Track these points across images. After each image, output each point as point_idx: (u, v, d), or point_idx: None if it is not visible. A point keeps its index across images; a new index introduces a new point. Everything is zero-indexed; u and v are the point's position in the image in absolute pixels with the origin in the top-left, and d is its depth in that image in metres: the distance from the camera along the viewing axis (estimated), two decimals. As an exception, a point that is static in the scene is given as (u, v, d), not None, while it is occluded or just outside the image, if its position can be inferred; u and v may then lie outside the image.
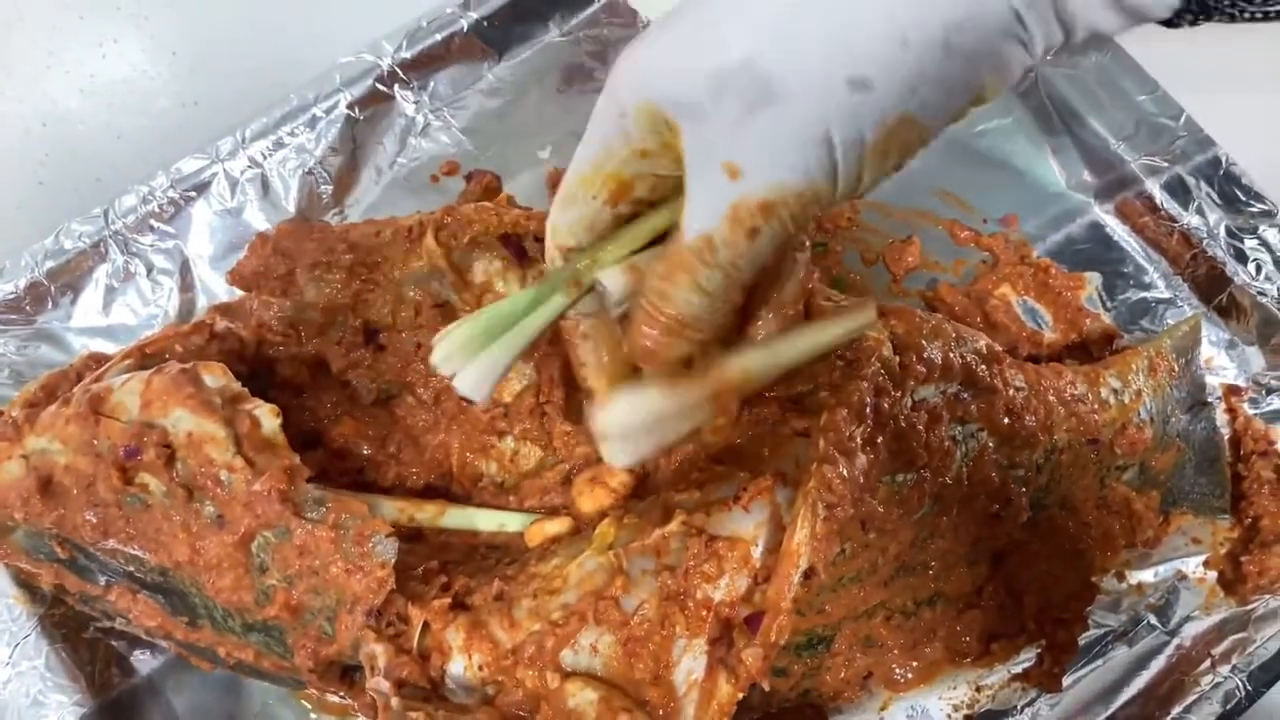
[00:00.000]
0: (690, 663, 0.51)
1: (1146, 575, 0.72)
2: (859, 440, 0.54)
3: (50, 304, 0.75)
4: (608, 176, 0.45)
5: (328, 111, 0.80)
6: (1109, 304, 0.80)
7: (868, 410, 0.55)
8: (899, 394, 0.57)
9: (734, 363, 0.50)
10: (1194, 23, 0.40)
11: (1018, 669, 0.69)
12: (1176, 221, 0.80)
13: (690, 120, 0.41)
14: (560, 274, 0.49)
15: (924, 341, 0.59)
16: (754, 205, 0.41)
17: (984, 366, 0.61)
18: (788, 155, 0.40)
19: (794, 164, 0.40)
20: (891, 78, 0.39)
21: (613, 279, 0.47)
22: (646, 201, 0.47)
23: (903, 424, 0.57)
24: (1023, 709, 0.69)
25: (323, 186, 0.80)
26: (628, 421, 0.49)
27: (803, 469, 0.54)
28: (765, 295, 0.52)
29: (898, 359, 0.58)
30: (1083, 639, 0.69)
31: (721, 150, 0.41)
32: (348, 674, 0.57)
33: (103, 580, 0.60)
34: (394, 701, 0.51)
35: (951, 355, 0.60)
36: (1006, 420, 0.62)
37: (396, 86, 0.81)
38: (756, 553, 0.52)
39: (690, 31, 0.41)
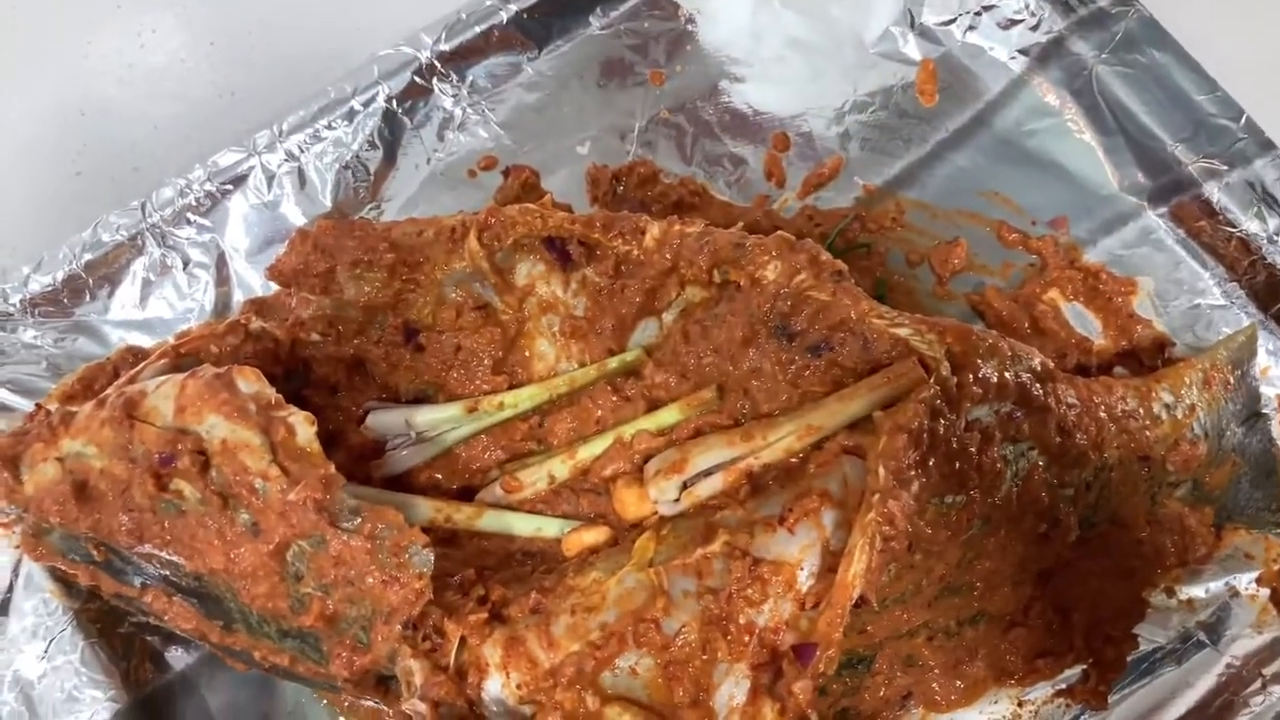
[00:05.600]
0: (731, 687, 0.50)
1: (1197, 591, 0.71)
2: (913, 466, 0.53)
3: (88, 296, 0.75)
4: None
5: (365, 105, 0.78)
6: (1161, 311, 0.78)
7: (924, 435, 0.54)
8: (954, 416, 0.55)
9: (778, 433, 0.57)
10: None
11: (1062, 685, 0.68)
12: (1235, 227, 0.78)
13: None
14: None
15: (980, 360, 0.58)
16: None
17: (1038, 385, 0.59)
18: None
19: None
20: None
21: None
22: None
23: (955, 445, 0.56)
24: (1066, 727, 0.68)
25: (359, 180, 0.79)
26: None
27: (850, 490, 0.53)
28: None
29: (954, 379, 0.56)
30: (1130, 655, 0.68)
31: None
32: (383, 682, 0.57)
33: (138, 582, 0.60)
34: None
35: (1007, 375, 0.58)
36: (1058, 439, 0.61)
37: (435, 79, 0.80)
38: (802, 577, 0.51)
39: None
